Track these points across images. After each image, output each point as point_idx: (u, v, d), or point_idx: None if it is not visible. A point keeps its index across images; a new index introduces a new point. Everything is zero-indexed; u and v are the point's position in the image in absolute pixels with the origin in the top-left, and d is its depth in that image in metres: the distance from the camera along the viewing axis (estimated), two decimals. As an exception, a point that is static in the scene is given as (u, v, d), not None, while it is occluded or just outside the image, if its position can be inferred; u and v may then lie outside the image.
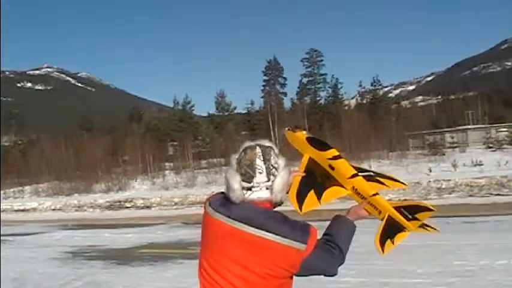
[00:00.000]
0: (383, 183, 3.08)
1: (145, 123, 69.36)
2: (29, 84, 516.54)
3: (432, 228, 2.85)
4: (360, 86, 69.33)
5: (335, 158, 3.00)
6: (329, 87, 68.89)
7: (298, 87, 69.57)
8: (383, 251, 2.77)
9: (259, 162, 2.46)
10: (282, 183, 2.48)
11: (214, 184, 34.17)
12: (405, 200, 22.82)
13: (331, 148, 3.08)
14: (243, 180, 2.45)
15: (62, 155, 55.64)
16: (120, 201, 31.74)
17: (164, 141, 62.05)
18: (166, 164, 52.63)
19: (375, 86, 68.05)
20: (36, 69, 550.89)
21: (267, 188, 2.46)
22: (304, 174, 3.01)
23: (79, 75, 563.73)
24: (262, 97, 69.14)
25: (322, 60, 69.85)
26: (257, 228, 2.39)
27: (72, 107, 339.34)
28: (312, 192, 2.91)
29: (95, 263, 12.66)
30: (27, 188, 49.51)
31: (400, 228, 2.78)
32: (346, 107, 67.18)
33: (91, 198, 35.67)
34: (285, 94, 69.73)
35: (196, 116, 71.87)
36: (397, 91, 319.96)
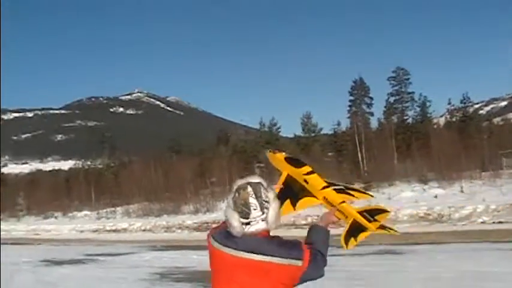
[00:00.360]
0: (351, 195, 3.54)
1: (232, 146, 70.02)
2: (121, 109, 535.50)
3: (392, 229, 3.42)
4: (449, 103, 67.11)
5: (309, 173, 3.53)
6: (417, 105, 67.03)
7: (385, 107, 68.17)
8: (347, 247, 3.27)
9: (252, 200, 2.81)
10: (274, 214, 2.83)
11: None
12: (499, 222, 21.91)
13: (306, 165, 3.60)
14: (240, 217, 2.80)
15: (152, 176, 57.06)
16: (207, 223, 32.08)
17: (251, 163, 62.37)
18: (254, 185, 52.74)
19: (465, 103, 65.71)
20: (128, 95, 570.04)
21: (262, 220, 2.81)
22: (282, 186, 3.53)
23: (168, 99, 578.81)
24: (348, 117, 68.16)
25: (409, 79, 68.14)
26: (261, 255, 2.77)
27: (162, 130, 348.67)
28: (288, 201, 3.48)
29: (181, 285, 12.79)
30: (118, 208, 51.09)
31: (363, 229, 3.30)
32: (435, 126, 65.23)
33: (179, 219, 36.31)
34: (372, 114, 68.51)
35: (283, 137, 71.80)
36: (489, 108, 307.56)
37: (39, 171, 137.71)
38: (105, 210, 52.02)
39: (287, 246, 2.82)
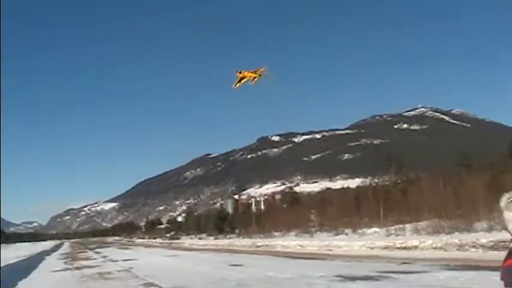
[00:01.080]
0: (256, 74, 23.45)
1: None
2: (405, 125, 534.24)
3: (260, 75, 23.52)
4: None
5: (243, 73, 22.76)
6: None
7: None
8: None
9: None
10: None
11: None
12: None
13: (242, 71, 22.94)
14: None
15: (441, 192, 55.33)
16: (504, 241, 29.80)
17: (551, 175, 56.93)
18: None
19: None
20: (411, 110, 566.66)
21: None
22: (239, 77, 23.00)
23: (453, 112, 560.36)
24: None
25: None
26: None
27: (448, 144, 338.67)
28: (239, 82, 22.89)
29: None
30: (407, 225, 50.59)
31: (258, 75, 23.26)
32: None
33: (473, 237, 34.43)
34: None
35: None
36: None
37: (329, 189, 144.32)
38: (393, 227, 51.89)
39: None
